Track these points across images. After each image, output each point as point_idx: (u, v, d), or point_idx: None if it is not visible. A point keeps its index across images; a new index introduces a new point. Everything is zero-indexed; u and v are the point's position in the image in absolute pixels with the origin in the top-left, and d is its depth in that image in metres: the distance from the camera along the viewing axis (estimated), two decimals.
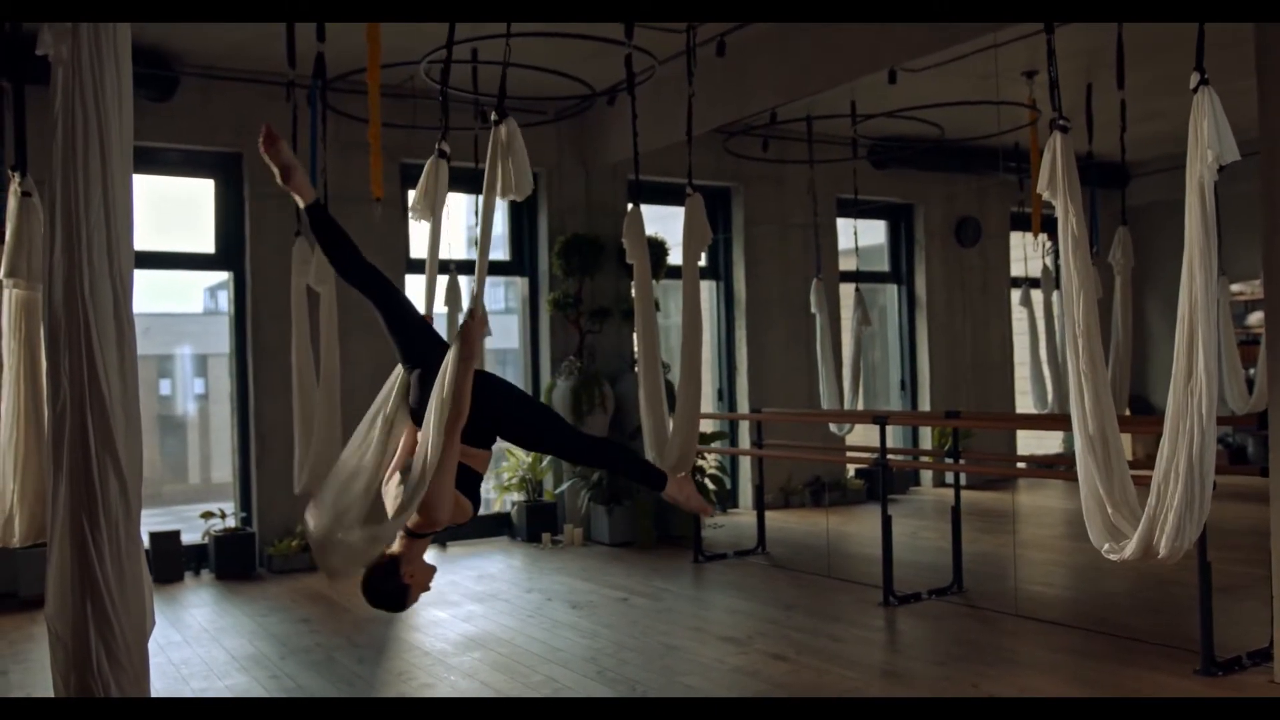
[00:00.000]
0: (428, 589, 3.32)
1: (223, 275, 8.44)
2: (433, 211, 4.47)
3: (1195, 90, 3.37)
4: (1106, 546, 3.68)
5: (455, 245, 7.43)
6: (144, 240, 7.95)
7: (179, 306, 9.56)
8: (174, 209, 8.52)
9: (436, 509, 3.12)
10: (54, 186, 2.33)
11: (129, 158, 2.36)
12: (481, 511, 9.48)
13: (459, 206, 7.81)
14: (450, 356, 3.15)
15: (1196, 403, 3.38)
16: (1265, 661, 4.76)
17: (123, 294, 2.31)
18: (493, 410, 3.41)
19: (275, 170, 3.76)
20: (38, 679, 5.18)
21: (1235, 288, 9.99)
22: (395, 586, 3.26)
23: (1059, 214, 3.72)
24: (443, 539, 8.74)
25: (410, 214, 4.41)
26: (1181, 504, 3.43)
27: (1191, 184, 3.37)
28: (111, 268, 2.29)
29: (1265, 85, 4.73)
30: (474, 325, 3.17)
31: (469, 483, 3.37)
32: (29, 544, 4.54)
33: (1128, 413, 8.48)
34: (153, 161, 7.80)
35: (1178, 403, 3.43)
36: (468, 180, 7.36)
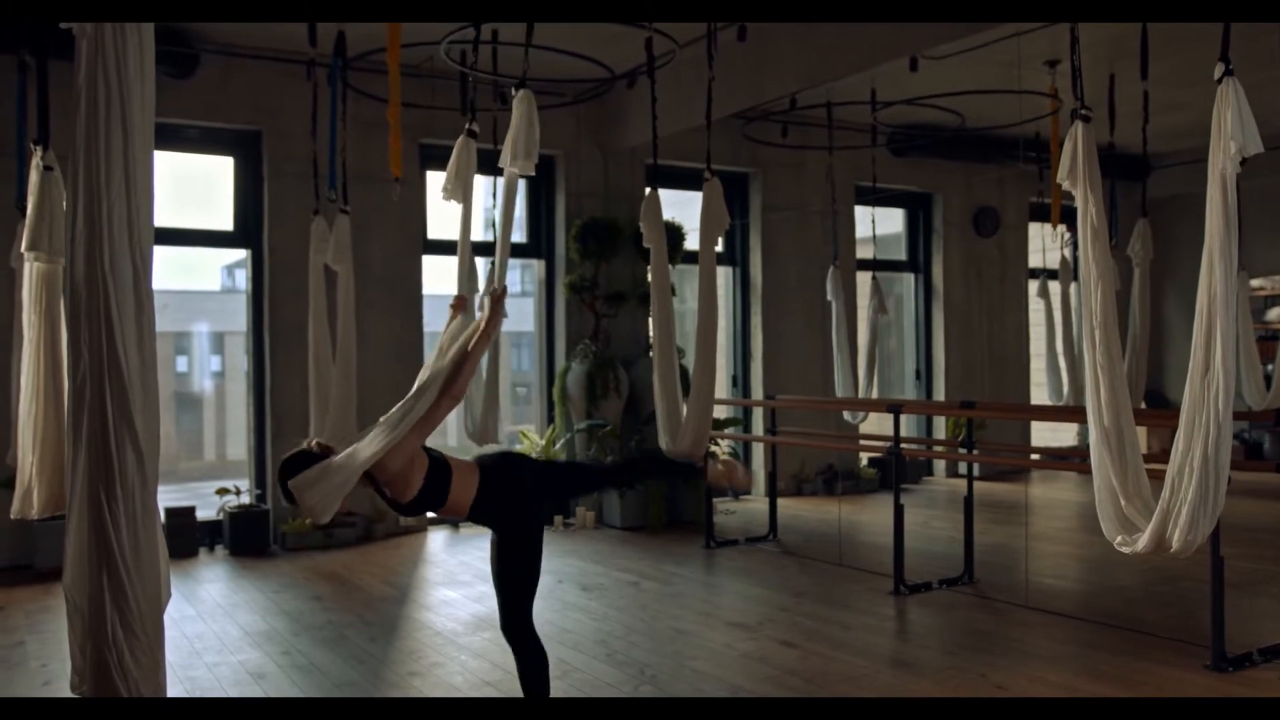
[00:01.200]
0: (323, 520, 3.21)
1: (241, 253, 8.48)
2: (464, 192, 4.49)
3: (1220, 81, 3.35)
4: (1119, 539, 3.68)
5: (474, 227, 7.43)
6: (163, 217, 7.99)
7: (196, 284, 9.60)
8: (193, 186, 8.56)
9: (393, 455, 3.13)
10: (76, 160, 2.35)
11: (150, 132, 2.38)
12: None
13: (478, 188, 7.80)
14: (471, 328, 3.21)
15: (1213, 397, 3.37)
16: (1277, 658, 4.75)
17: (142, 268, 2.34)
18: (512, 512, 3.52)
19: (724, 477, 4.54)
20: (54, 650, 5.23)
21: (1255, 283, 9.93)
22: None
23: (1078, 205, 3.71)
24: (456, 521, 8.79)
25: (442, 195, 4.42)
26: (1195, 498, 3.42)
27: (1213, 175, 3.36)
28: (132, 242, 2.31)
29: None
30: (497, 300, 3.25)
31: (437, 482, 3.37)
32: (47, 516, 4.59)
33: (1143, 406, 8.45)
34: (173, 138, 7.83)
35: (1194, 396, 3.42)
36: (488, 162, 7.39)
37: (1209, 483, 3.40)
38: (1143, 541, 3.55)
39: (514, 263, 9.91)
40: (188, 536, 7.63)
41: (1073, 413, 7.36)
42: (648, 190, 5.42)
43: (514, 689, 4.68)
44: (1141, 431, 7.70)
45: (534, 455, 9.02)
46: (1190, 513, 3.42)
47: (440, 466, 3.40)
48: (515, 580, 3.58)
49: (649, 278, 5.75)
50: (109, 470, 2.27)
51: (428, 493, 3.38)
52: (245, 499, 7.99)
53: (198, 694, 4.63)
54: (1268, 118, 4.68)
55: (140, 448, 2.29)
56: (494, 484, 3.48)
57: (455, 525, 8.72)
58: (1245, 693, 4.46)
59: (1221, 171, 3.34)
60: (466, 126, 4.18)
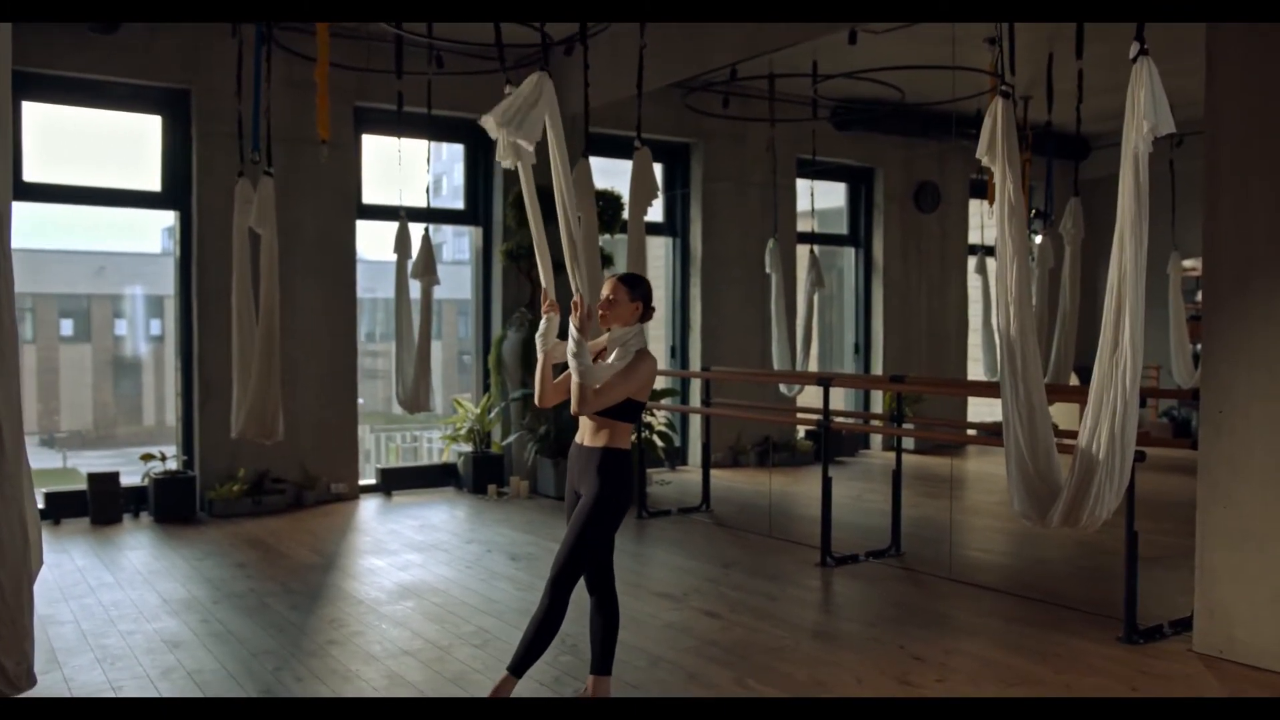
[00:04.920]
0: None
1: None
2: (553, 127, 3.85)
3: (1134, 60, 3.37)
4: (1028, 513, 3.72)
5: (407, 192, 7.32)
6: (87, 176, 7.79)
7: (136, 246, 9.39)
8: (119, 145, 8.34)
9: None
10: None
11: (6, 85, 2.26)
12: (428, 461, 9.57)
13: (417, 153, 7.68)
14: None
15: (1121, 374, 3.40)
16: (1186, 630, 4.85)
17: None
18: (621, 480, 3.84)
19: None
20: None
21: (1188, 263, 10.06)
22: (646, 289, 4.00)
23: (996, 181, 3.73)
24: (389, 489, 8.74)
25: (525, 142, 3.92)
26: (1102, 474, 3.46)
27: (1126, 154, 3.38)
28: None
29: (1213, 63, 4.71)
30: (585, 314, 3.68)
31: (640, 410, 3.94)
32: None
33: (1074, 381, 8.56)
34: (98, 95, 7.61)
35: (1103, 374, 3.45)
36: (421, 125, 7.27)
37: (1115, 459, 3.44)
38: (1049, 515, 3.59)
39: (462, 230, 9.84)
40: (111, 503, 7.49)
41: (997, 387, 7.43)
42: (580, 158, 5.36)
43: (433, 658, 4.66)
44: (1071, 407, 7.81)
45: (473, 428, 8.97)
46: (1097, 488, 3.46)
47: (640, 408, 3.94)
48: (592, 538, 3.85)
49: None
50: None
51: (635, 406, 3.84)
52: (172, 465, 7.86)
53: (108, 662, 4.54)
54: (1195, 101, 4.72)
55: None
56: (626, 458, 3.87)
57: (389, 493, 8.66)
58: (1152, 663, 4.54)
59: (1134, 150, 3.36)
60: (542, 70, 3.67)
